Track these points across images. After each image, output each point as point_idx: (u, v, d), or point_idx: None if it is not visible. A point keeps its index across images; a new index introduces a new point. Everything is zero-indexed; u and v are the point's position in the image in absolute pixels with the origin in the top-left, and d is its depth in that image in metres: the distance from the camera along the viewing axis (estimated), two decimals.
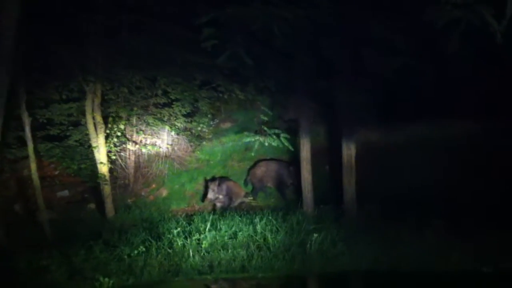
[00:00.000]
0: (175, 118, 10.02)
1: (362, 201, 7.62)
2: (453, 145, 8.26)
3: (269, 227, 7.12)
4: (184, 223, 7.65)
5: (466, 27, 4.56)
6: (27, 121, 7.75)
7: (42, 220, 7.93)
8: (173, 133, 10.28)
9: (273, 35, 5.46)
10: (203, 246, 6.57)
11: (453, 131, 8.48)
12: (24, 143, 8.16)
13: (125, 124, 9.67)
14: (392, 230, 6.55)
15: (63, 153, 9.48)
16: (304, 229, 7.00)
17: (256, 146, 7.86)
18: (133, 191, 9.91)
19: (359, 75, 7.29)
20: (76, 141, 9.49)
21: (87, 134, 8.92)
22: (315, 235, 6.52)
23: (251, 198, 9.40)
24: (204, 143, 10.73)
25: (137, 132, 10.06)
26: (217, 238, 6.85)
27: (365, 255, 5.96)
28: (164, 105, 9.97)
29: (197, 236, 6.89)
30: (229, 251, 6.36)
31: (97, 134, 8.59)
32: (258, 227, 7.11)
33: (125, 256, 6.29)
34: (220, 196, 8.85)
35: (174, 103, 9.95)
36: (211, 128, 10.93)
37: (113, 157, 9.61)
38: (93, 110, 8.50)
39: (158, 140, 10.28)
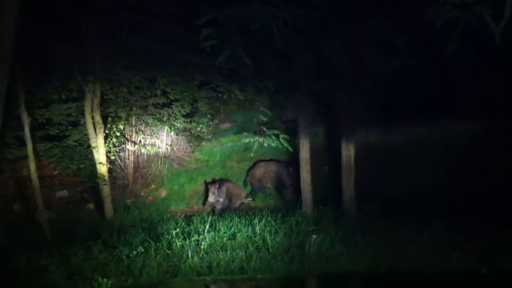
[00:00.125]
0: (174, 118, 10.03)
1: (362, 202, 7.64)
2: (453, 145, 8.25)
3: (268, 228, 7.12)
4: (183, 223, 7.66)
5: (465, 28, 4.55)
6: (26, 121, 7.76)
7: (41, 220, 7.95)
8: (172, 133, 10.28)
9: (272, 35, 5.43)
10: (202, 247, 6.56)
11: (453, 131, 8.47)
12: (23, 143, 8.15)
13: (124, 124, 9.68)
14: (392, 230, 6.56)
15: (62, 153, 9.47)
16: (303, 230, 7.00)
17: (255, 146, 7.85)
18: (132, 192, 9.90)
19: (359, 75, 7.29)
20: (75, 141, 9.48)
21: (86, 134, 8.92)
22: (314, 236, 6.51)
23: (250, 199, 9.39)
24: (203, 143, 10.73)
25: (136, 132, 10.06)
26: (216, 239, 6.85)
27: (364, 256, 5.95)
28: (164, 105, 9.98)
29: (196, 237, 6.89)
30: (228, 252, 6.35)
31: (96, 134, 8.58)
32: (257, 228, 7.11)
33: (124, 257, 6.29)
34: (221, 199, 8.85)
35: (173, 103, 9.95)
36: (210, 128, 10.93)
37: (112, 157, 9.63)
38: (92, 110, 8.50)
39: (157, 140, 10.28)
